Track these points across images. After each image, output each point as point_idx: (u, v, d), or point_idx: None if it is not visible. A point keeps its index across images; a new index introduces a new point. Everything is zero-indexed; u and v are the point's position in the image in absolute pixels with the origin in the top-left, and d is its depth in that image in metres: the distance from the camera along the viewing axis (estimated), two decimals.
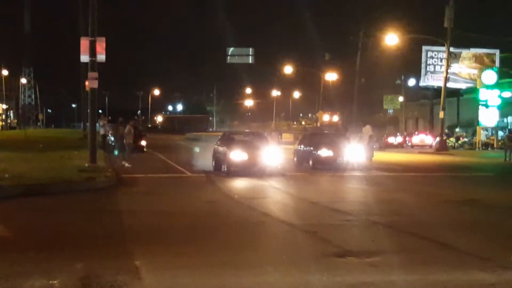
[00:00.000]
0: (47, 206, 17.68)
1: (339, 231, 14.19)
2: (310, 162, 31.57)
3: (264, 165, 28.02)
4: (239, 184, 25.30)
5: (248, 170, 27.65)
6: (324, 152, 31.51)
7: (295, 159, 33.56)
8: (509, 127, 66.29)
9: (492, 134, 62.45)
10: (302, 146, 33.72)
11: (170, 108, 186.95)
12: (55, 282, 9.41)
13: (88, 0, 28.86)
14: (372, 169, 31.84)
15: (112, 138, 44.99)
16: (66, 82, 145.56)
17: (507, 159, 41.94)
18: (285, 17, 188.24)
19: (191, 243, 12.47)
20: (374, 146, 34.64)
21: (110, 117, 52.84)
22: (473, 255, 11.48)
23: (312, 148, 32.17)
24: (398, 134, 79.53)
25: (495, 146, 59.34)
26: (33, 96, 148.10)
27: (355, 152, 32.53)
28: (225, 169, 28.13)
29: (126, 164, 31.38)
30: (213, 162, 30.26)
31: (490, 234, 14.04)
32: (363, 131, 36.16)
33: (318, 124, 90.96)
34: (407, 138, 74.68)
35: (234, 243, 12.63)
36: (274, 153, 29.02)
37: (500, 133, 62.39)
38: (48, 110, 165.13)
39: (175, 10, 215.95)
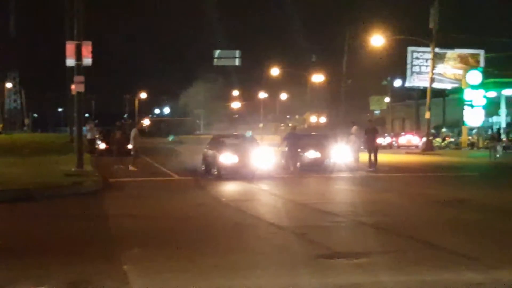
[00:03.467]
0: (34, 211, 17.63)
1: (327, 232, 14.22)
2: (298, 164, 31.56)
3: (254, 168, 28.00)
4: (228, 187, 25.31)
5: (238, 173, 27.63)
6: (312, 154, 31.56)
7: (282, 161, 33.54)
8: (496, 127, 66.60)
9: (480, 134, 62.62)
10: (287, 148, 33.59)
11: (157, 111, 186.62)
12: None
13: (74, 4, 28.80)
14: (360, 170, 31.90)
15: (99, 142, 45.14)
16: (52, 86, 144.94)
17: (491, 159, 42.17)
18: (272, 19, 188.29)
19: (180, 246, 12.46)
20: (361, 147, 34.59)
21: (97, 121, 52.72)
22: (460, 255, 11.52)
23: (299, 150, 32.15)
24: (386, 134, 79.65)
25: (480, 145, 59.55)
26: (18, 101, 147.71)
27: (342, 153, 32.61)
28: (215, 172, 28.10)
29: (131, 167, 31.57)
30: (203, 166, 30.30)
31: (477, 233, 14.10)
32: (351, 132, 36.16)
33: (306, 126, 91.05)
34: (393, 139, 74.80)
35: (224, 246, 12.64)
36: (265, 155, 29.04)
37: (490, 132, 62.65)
38: (34, 115, 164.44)
39: (162, 14, 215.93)
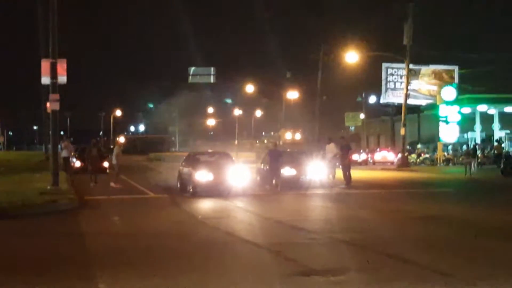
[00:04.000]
0: (8, 229, 17.53)
1: (303, 249, 14.23)
2: (273, 181, 31.33)
3: (229, 185, 27.98)
4: (204, 204, 25.28)
5: (214, 190, 27.58)
6: (287, 171, 31.47)
7: (257, 178, 33.43)
8: (472, 142, 66.99)
9: (455, 150, 63.01)
10: (264, 165, 33.43)
11: (132, 128, 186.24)
12: None
13: (48, 21, 28.73)
14: (335, 187, 31.95)
15: (74, 160, 44.99)
16: (27, 104, 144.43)
17: (467, 174, 42.36)
18: (246, 36, 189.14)
19: (154, 264, 12.44)
20: (337, 164, 34.62)
21: (72, 139, 52.50)
22: (435, 271, 11.58)
23: (271, 167, 31.84)
24: (361, 151, 79.80)
25: (455, 161, 59.85)
26: None
27: (318, 169, 32.62)
28: (191, 189, 28.05)
29: (113, 185, 31.45)
30: (178, 183, 30.22)
31: (451, 250, 14.18)
32: (326, 149, 36.15)
33: (281, 142, 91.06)
34: (369, 155, 74.92)
35: (199, 263, 12.63)
36: (240, 172, 29.03)
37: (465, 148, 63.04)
38: (9, 133, 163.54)
39: (137, 31, 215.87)
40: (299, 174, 31.76)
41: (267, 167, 31.89)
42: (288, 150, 37.55)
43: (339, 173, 33.86)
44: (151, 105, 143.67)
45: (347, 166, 33.34)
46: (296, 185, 30.97)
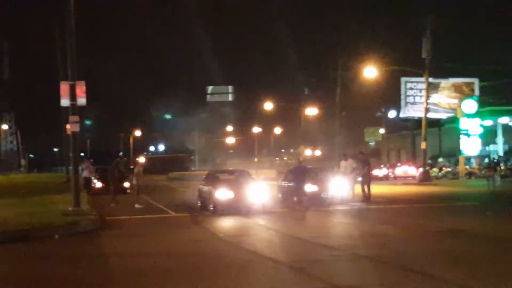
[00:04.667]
0: (31, 252, 17.53)
1: (325, 266, 14.14)
2: (295, 198, 31.07)
3: (250, 203, 27.93)
4: (225, 222, 25.22)
5: (234, 208, 27.54)
6: (309, 187, 31.24)
7: (279, 195, 33.34)
8: (494, 155, 66.61)
9: (480, 162, 62.63)
10: (286, 182, 33.35)
11: (152, 148, 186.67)
12: None
13: (67, 45, 28.85)
14: (356, 203, 31.78)
15: (95, 181, 45.15)
16: (48, 126, 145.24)
17: (490, 188, 42.06)
18: (264, 54, 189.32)
19: (177, 285, 12.39)
20: (357, 179, 34.35)
21: (92, 160, 52.66)
22: (460, 286, 11.46)
23: (295, 184, 31.63)
24: (382, 166, 79.58)
25: (478, 175, 59.52)
26: (14, 142, 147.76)
27: (339, 186, 32.42)
28: (211, 208, 28.04)
29: (138, 206, 31.51)
30: (199, 202, 30.25)
31: (475, 264, 14.04)
32: (341, 165, 35.90)
33: (300, 159, 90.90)
34: (389, 170, 74.70)
35: (221, 282, 12.56)
36: (260, 190, 28.98)
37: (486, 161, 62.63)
38: (31, 155, 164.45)
39: (155, 52, 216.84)
40: (321, 190, 31.60)
41: (291, 184, 31.67)
42: (309, 166, 37.16)
43: (358, 189, 33.65)
44: (168, 116, 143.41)
45: (366, 181, 33.16)
46: (317, 201, 30.79)
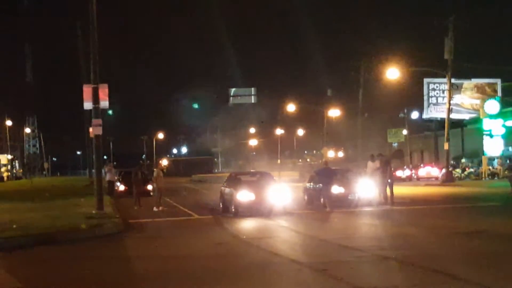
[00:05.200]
0: (56, 255, 17.62)
1: (349, 267, 14.10)
2: (321, 200, 30.90)
3: (271, 204, 27.96)
4: (247, 224, 25.24)
5: (256, 210, 27.60)
6: (336, 189, 31.03)
7: (305, 197, 33.23)
8: None
9: (503, 163, 62.17)
10: (312, 183, 33.18)
11: (175, 151, 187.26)
12: None
13: (90, 48, 29.01)
14: (381, 204, 31.58)
15: (118, 184, 45.41)
16: (70, 129, 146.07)
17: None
18: (287, 55, 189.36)
19: (200, 287, 12.41)
20: (389, 181, 33.65)
21: (115, 163, 52.82)
22: (484, 287, 11.41)
23: (322, 186, 31.40)
24: (405, 167, 79.33)
25: (501, 175, 59.18)
26: (37, 145, 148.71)
27: (366, 187, 32.05)
28: (233, 210, 28.09)
29: (155, 209, 31.57)
30: (221, 204, 30.31)
31: (501, 265, 13.96)
32: (368, 165, 35.50)
33: (325, 160, 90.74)
34: (412, 171, 74.47)
35: (244, 284, 12.58)
36: (282, 191, 29.00)
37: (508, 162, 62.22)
38: (53, 158, 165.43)
39: (177, 54, 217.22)
40: (348, 192, 31.35)
41: (317, 186, 31.54)
42: (334, 168, 36.75)
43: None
44: (196, 105, 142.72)
45: (386, 182, 32.87)
46: (344, 203, 30.62)
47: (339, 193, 31.03)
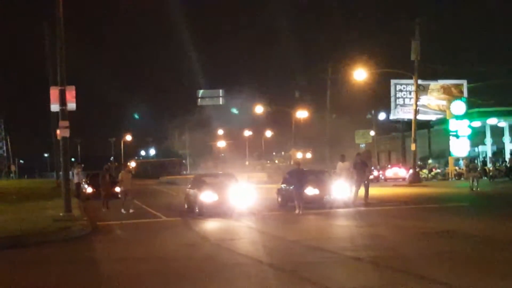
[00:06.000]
0: (22, 258, 17.47)
1: (318, 268, 14.13)
2: (295, 201, 30.49)
3: (234, 205, 28.32)
4: (215, 225, 25.25)
5: (219, 210, 27.93)
6: (310, 191, 30.93)
7: (279, 199, 33.11)
8: (482, 156, 66.88)
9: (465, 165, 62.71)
10: (285, 185, 32.82)
11: (143, 153, 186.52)
12: None
13: (56, 50, 28.83)
14: (349, 205, 31.56)
15: (85, 186, 45.15)
16: (38, 132, 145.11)
17: (473, 188, 42.18)
18: (255, 57, 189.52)
19: None
20: (365, 182, 33.59)
21: (83, 165, 52.52)
22: (452, 287, 11.50)
23: (294, 187, 31.15)
24: (372, 168, 79.64)
25: (464, 176, 59.69)
26: (4, 148, 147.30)
27: (339, 188, 31.93)
28: (197, 210, 28.59)
29: (123, 211, 31.32)
30: (186, 205, 30.92)
31: (468, 264, 14.08)
32: (338, 166, 35.36)
33: (292, 162, 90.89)
34: (380, 172, 74.76)
35: (213, 286, 12.57)
36: (246, 192, 29.39)
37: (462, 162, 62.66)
38: (21, 161, 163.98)
39: (145, 56, 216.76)
40: (323, 193, 31.29)
41: (290, 187, 31.14)
42: (308, 169, 36.47)
43: (362, 191, 33.33)
44: (163, 107, 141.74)
45: (360, 183, 32.91)
46: (319, 204, 30.56)
47: (314, 194, 31.02)
